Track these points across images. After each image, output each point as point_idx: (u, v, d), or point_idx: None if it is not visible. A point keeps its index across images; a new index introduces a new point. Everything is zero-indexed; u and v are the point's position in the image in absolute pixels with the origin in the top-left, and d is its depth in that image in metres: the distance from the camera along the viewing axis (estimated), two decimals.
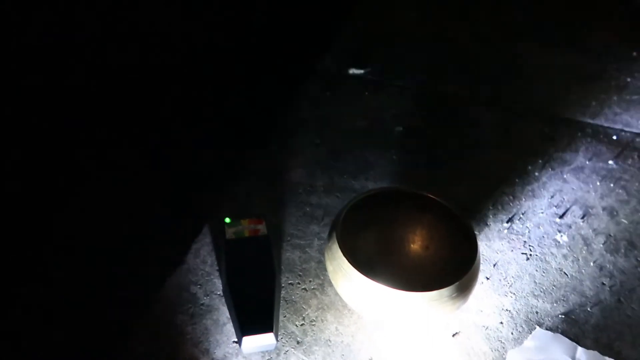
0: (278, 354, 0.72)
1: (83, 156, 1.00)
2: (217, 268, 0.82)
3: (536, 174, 1.00)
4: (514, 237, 0.89)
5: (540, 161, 1.03)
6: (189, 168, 1.00)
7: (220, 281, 0.80)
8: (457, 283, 0.66)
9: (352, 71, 1.28)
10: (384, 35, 1.39)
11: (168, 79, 1.22)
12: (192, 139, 1.06)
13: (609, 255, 0.86)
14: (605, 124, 1.12)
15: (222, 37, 1.34)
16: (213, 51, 1.30)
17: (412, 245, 0.79)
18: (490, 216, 0.92)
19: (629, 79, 1.26)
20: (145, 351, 0.72)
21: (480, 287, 0.81)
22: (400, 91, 1.21)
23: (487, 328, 0.76)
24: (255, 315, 0.71)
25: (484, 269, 0.83)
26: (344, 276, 0.68)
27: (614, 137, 1.09)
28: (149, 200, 0.93)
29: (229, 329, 0.74)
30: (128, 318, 0.75)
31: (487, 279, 0.82)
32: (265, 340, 0.70)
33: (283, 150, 1.05)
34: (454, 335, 0.75)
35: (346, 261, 0.68)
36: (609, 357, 0.72)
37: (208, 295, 0.78)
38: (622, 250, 0.86)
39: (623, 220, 0.91)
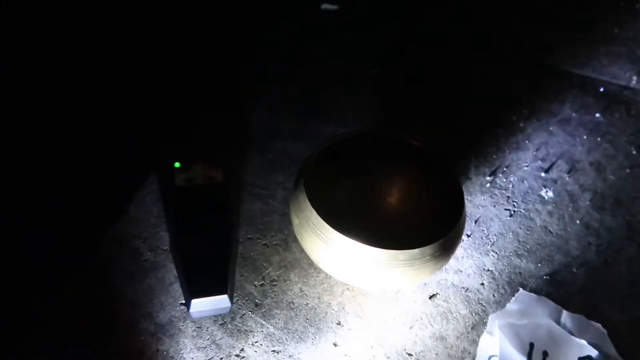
0: (233, 318, 0.63)
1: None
2: (164, 220, 0.71)
3: (521, 124, 0.92)
4: (497, 191, 0.81)
5: (525, 111, 0.95)
6: (134, 106, 0.86)
7: (167, 235, 0.69)
8: (441, 240, 0.57)
9: (325, 6, 1.15)
10: None
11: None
12: (138, 73, 0.92)
13: (595, 212, 0.80)
14: (593, 75, 1.05)
15: None
16: None
17: (389, 198, 0.70)
18: (472, 168, 0.84)
19: (616, 30, 1.18)
20: (77, 314, 0.61)
21: (460, 245, 0.73)
22: (378, 31, 1.10)
23: (467, 290, 0.69)
24: (207, 274, 0.62)
25: (465, 225, 0.76)
26: (312, 230, 0.59)
27: (601, 89, 1.02)
28: (87, 141, 0.79)
29: (176, 289, 0.64)
30: (59, 276, 0.64)
31: (468, 236, 0.75)
32: (217, 302, 0.60)
33: (246, 90, 0.93)
34: (431, 298, 0.68)
35: (315, 213, 0.58)
36: (595, 321, 0.67)
37: (153, 251, 0.68)
38: (609, 208, 0.80)
39: (610, 176, 0.85)
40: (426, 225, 0.61)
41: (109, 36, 0.93)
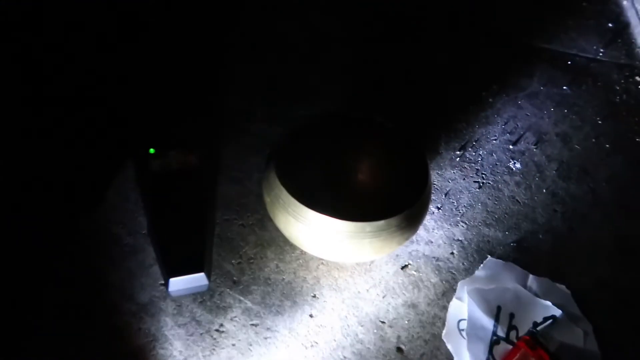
0: (212, 296, 0.65)
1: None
2: (142, 205, 0.73)
3: (490, 100, 0.94)
4: (466, 165, 0.84)
5: (495, 87, 0.97)
6: (109, 96, 0.87)
7: (145, 219, 0.71)
8: (406, 212, 0.60)
9: None
10: None
11: None
12: (114, 63, 0.93)
13: (561, 181, 0.83)
14: (561, 49, 1.07)
15: None
16: None
17: (358, 174, 0.72)
18: (442, 143, 0.86)
19: (585, 3, 1.20)
20: (61, 300, 0.63)
21: (431, 218, 0.76)
22: (349, 9, 1.11)
23: (437, 259, 0.72)
24: (184, 254, 0.64)
25: (435, 198, 0.78)
26: (282, 207, 0.61)
27: (569, 63, 1.04)
28: (63, 130, 0.81)
29: (156, 270, 0.66)
30: (42, 263, 0.66)
31: (438, 208, 0.78)
32: (195, 280, 0.62)
33: (217, 74, 0.93)
34: (403, 268, 0.70)
35: (284, 191, 0.60)
36: (560, 283, 0.70)
37: (132, 235, 0.69)
38: (575, 177, 0.83)
39: (576, 146, 0.88)
40: (392, 198, 0.64)
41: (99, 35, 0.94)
